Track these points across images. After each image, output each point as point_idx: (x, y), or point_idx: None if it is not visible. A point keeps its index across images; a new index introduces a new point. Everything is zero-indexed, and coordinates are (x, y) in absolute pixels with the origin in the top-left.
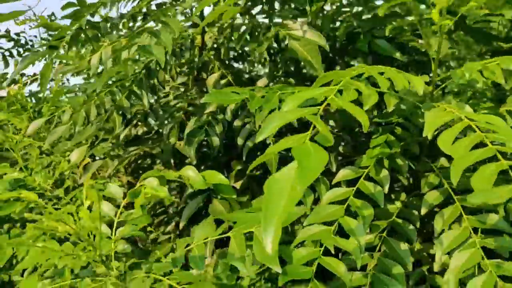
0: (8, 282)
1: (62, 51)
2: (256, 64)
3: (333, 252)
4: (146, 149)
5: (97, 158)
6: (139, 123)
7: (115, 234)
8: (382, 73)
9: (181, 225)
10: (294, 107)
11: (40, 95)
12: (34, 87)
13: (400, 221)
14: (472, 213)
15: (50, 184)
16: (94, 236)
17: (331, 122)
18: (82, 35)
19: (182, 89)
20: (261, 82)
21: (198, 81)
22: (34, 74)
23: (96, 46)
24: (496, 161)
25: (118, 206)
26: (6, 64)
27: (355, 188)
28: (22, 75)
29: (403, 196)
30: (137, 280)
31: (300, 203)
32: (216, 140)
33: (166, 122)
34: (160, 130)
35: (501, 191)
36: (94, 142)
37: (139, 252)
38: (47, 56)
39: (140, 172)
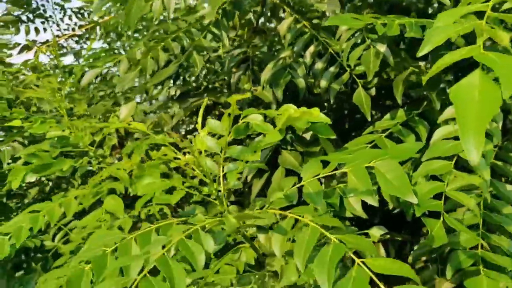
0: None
1: None
2: None
3: None
4: (212, 98)
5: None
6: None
7: (222, 169)
8: None
9: (249, 177)
10: (450, 23)
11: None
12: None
13: (500, 163)
14: None
15: (97, 143)
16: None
17: None
18: None
19: (237, 41)
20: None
21: (256, 32)
22: (47, 41)
23: None
24: None
25: None
26: (17, 31)
27: None
28: (34, 42)
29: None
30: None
31: None
32: (301, 82)
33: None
34: (210, 86)
35: None
36: None
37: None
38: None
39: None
